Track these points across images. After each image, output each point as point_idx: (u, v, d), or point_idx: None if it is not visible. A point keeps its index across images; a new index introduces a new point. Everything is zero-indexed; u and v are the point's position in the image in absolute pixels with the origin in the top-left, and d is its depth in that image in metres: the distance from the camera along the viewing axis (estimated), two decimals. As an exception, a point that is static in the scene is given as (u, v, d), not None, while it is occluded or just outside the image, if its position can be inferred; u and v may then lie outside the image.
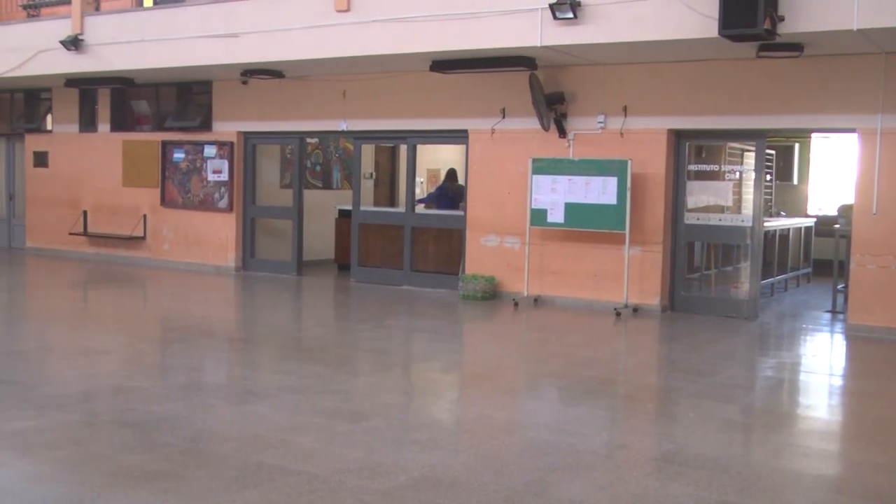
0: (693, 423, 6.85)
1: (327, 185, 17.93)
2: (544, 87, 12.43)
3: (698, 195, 12.48)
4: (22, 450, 5.85)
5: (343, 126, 14.63)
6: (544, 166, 12.53)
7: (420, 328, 11.43)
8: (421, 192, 16.76)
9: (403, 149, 15.74)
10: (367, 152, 17.03)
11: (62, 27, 15.47)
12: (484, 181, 13.36)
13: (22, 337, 10.49)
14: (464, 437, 6.46)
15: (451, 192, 15.49)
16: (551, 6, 10.66)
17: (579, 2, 10.59)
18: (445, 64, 12.52)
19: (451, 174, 15.76)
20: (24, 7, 17.77)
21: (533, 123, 12.70)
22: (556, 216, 12.49)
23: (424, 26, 11.78)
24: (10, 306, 12.98)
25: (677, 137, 12.18)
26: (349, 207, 15.49)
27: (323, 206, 17.02)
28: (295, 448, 5.89)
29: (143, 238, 17.03)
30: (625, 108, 12.18)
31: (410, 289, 14.10)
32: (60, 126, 18.50)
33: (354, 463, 5.59)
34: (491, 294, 13.03)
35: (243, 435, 6.17)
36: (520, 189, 12.90)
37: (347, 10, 12.27)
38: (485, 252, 13.36)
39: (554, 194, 12.47)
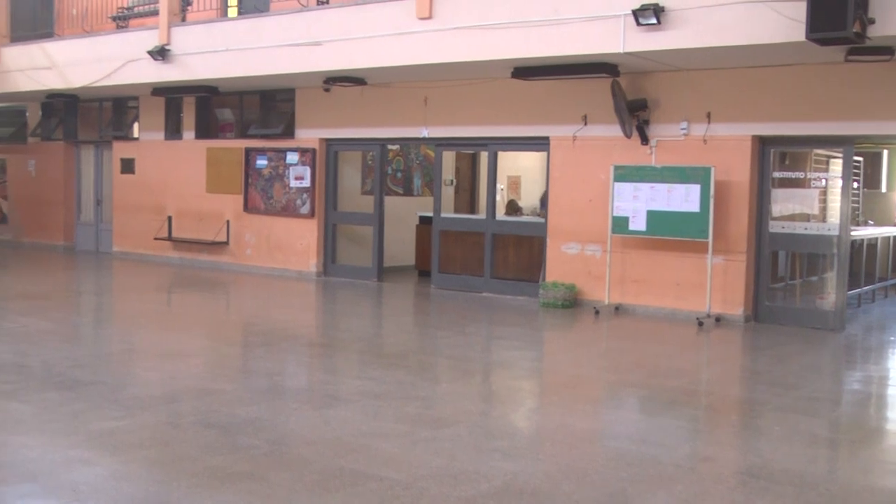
0: (779, 437, 6.72)
1: (408, 192, 18.02)
2: (627, 93, 12.35)
3: (783, 203, 12.26)
4: (111, 449, 5.98)
5: (424, 133, 14.69)
6: (626, 174, 12.44)
7: (500, 335, 11.42)
8: (501, 199, 16.74)
9: (484, 155, 15.75)
10: (448, 159, 17.06)
11: (149, 38, 15.82)
12: (565, 188, 13.30)
13: (109, 339, 10.73)
14: (545, 446, 6.42)
15: None
16: (634, 12, 10.59)
17: (663, 7, 10.50)
18: (527, 71, 12.51)
19: None
20: (114, 19, 18.20)
21: (615, 130, 12.62)
22: (638, 224, 12.38)
23: (506, 33, 11.78)
24: (97, 309, 13.29)
25: (762, 144, 11.99)
26: (430, 214, 15.54)
27: (403, 212, 17.10)
28: (377, 453, 5.92)
29: (227, 243, 17.29)
30: (708, 115, 12.03)
31: (490, 296, 14.10)
32: (147, 134, 18.89)
33: (436, 470, 5.61)
34: (571, 302, 12.96)
35: (325, 439, 6.23)
36: (601, 196, 12.82)
37: (429, 18, 12.33)
38: (566, 259, 13.30)
39: (636, 202, 12.37)
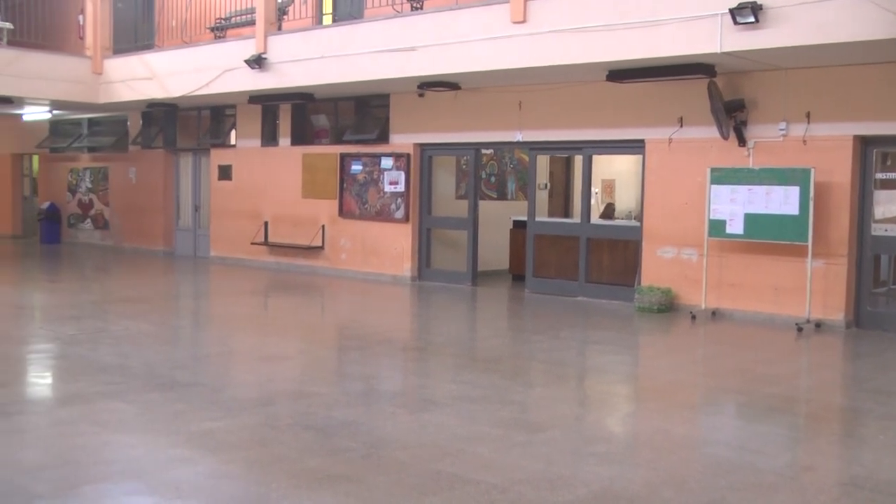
0: (883, 447, 6.54)
1: (502, 196, 18.01)
2: (723, 94, 12.16)
3: (886, 205, 11.93)
4: (211, 449, 6.10)
5: (518, 137, 14.67)
6: (723, 176, 12.24)
7: (595, 340, 11.33)
8: (596, 202, 16.63)
9: (578, 159, 15.65)
10: (542, 163, 16.99)
11: (246, 47, 16.08)
12: (661, 191, 13.15)
13: (208, 342, 10.94)
14: (642, 452, 6.36)
15: None
16: (732, 11, 10.42)
17: (761, 5, 10.30)
18: (622, 73, 12.41)
19: None
20: (212, 29, 18.57)
21: (711, 132, 12.43)
22: (736, 227, 12.18)
23: (601, 36, 11.69)
24: (196, 313, 13.57)
25: (864, 144, 11.69)
26: (524, 218, 15.51)
27: (497, 216, 17.09)
28: (473, 457, 5.93)
29: (322, 248, 17.49)
30: (808, 115, 11.77)
31: (585, 300, 14.01)
32: (243, 141, 19.22)
33: (533, 474, 5.58)
34: (667, 306, 12.81)
35: (422, 443, 6.25)
36: (697, 199, 12.64)
37: (524, 22, 12.30)
38: (661, 263, 13.15)
39: (733, 204, 12.16)
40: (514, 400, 7.68)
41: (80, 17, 20.02)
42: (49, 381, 8.62)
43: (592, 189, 15.05)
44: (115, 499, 5.21)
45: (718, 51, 10.84)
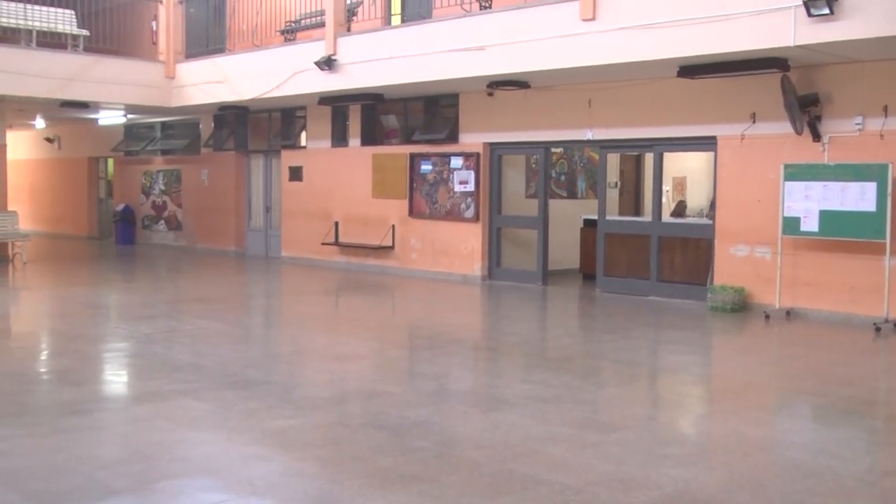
0: (969, 447, 6.38)
1: (572, 195, 17.91)
2: (797, 88, 11.95)
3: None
4: (285, 446, 6.16)
5: (589, 135, 14.58)
6: (797, 172, 12.04)
7: (668, 339, 11.21)
8: (666, 201, 16.47)
9: (649, 157, 15.52)
10: (612, 161, 16.86)
11: (316, 49, 16.21)
12: (733, 188, 12.97)
13: (279, 341, 11.04)
14: (717, 454, 6.26)
15: None
16: (805, 3, 10.22)
17: (836, -2, 10.11)
18: (693, 69, 12.27)
19: None
20: (282, 32, 18.75)
21: (784, 128, 12.23)
22: (810, 224, 11.96)
23: (671, 32, 11.56)
24: (268, 312, 13.70)
25: (945, 140, 11.42)
26: (594, 217, 15.41)
27: (567, 215, 17.00)
28: (546, 457, 5.89)
29: (392, 248, 17.55)
30: (885, 108, 11.50)
31: (657, 299, 13.87)
32: (314, 142, 19.38)
33: (606, 475, 5.54)
34: (740, 306, 12.62)
35: (494, 442, 6.23)
36: (771, 196, 12.45)
37: (593, 19, 12.22)
38: (734, 262, 12.97)
39: (807, 201, 11.95)
40: (587, 400, 7.63)
41: (154, 23, 20.35)
42: (125, 378, 8.77)
43: (663, 187, 14.89)
44: (190, 495, 5.28)
45: (792, 44, 10.65)
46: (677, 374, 9.28)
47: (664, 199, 15.19)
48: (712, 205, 13.83)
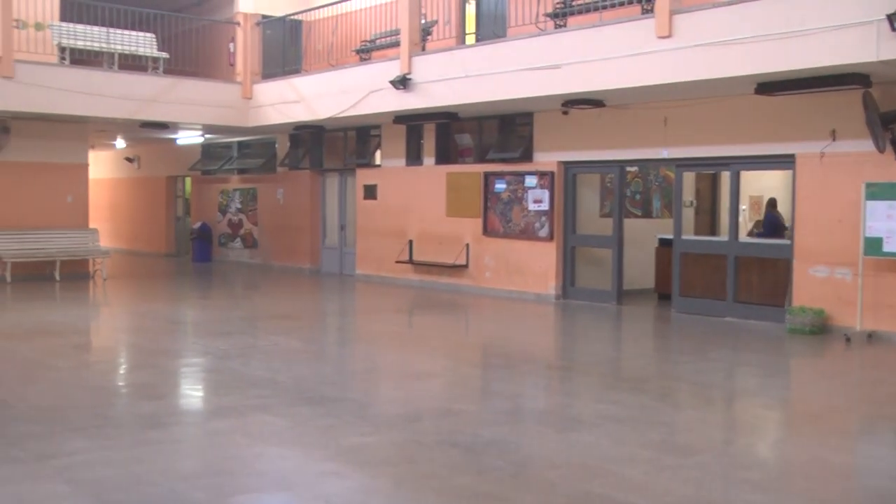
0: None
1: (647, 214, 17.75)
2: (880, 104, 11.70)
3: None
4: (360, 464, 6.17)
5: (664, 154, 14.44)
6: (879, 191, 11.78)
7: (745, 362, 10.99)
8: (743, 220, 16.24)
9: (725, 175, 15.31)
10: (688, 179, 16.67)
11: (391, 68, 16.31)
12: (812, 208, 12.74)
13: (354, 358, 11.08)
14: (797, 480, 6.13)
15: (776, 221, 15.12)
16: (889, 17, 10.00)
17: (922, 11, 9.88)
18: (771, 85, 12.08)
19: (772, 202, 15.40)
20: (357, 52, 18.92)
21: (866, 145, 11.98)
22: (893, 245, 11.68)
23: (749, 48, 11.41)
24: (342, 329, 13.78)
25: None
26: (669, 236, 15.25)
27: (642, 234, 16.85)
28: (623, 479, 5.82)
29: (466, 266, 17.55)
30: (972, 128, 11.24)
31: (733, 320, 13.65)
32: (388, 160, 19.49)
33: (685, 499, 5.45)
34: (820, 328, 12.36)
35: (570, 462, 6.18)
36: (852, 216, 12.19)
37: (669, 36, 12.11)
38: (813, 283, 12.71)
39: (890, 221, 11.68)
40: (663, 421, 7.53)
41: (231, 45, 20.67)
42: (203, 393, 8.87)
43: (740, 206, 14.68)
44: (267, 511, 5.32)
45: (875, 59, 10.43)
46: (756, 397, 9.12)
47: (741, 219, 14.97)
48: (789, 225, 13.59)
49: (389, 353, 11.14)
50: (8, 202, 18.98)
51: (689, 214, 16.84)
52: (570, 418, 7.63)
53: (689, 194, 16.98)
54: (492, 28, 16.58)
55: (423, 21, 16.60)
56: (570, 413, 7.88)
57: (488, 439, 6.76)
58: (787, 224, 14.28)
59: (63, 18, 18.62)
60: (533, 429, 7.22)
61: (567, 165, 16.05)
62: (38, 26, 18.31)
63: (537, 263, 16.30)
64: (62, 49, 17.96)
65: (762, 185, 17.70)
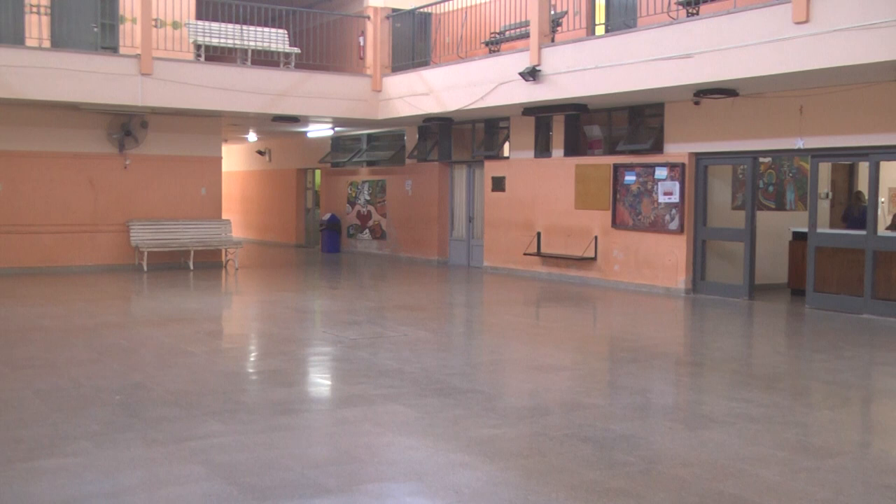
0: None
1: (780, 206, 17.30)
2: None
3: None
4: (490, 455, 6.18)
5: (799, 144, 14.04)
6: None
7: (884, 361, 10.57)
8: (882, 212, 15.69)
9: (863, 166, 14.79)
10: (823, 171, 16.17)
11: (520, 60, 16.27)
12: (959, 201, 12.23)
13: (482, 349, 11.09)
14: (944, 483, 5.89)
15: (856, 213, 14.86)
16: None
17: None
18: (916, 74, 11.64)
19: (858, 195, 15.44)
20: (486, 44, 18.93)
21: None
22: None
23: (890, 32, 10.93)
24: (470, 321, 13.81)
25: None
26: (804, 229, 14.83)
27: (775, 227, 16.45)
28: (757, 480, 5.69)
29: (594, 259, 17.41)
30: None
31: (871, 317, 13.20)
32: (517, 152, 19.45)
33: (823, 503, 5.28)
34: (966, 325, 11.88)
35: (702, 461, 6.07)
36: None
37: (806, 21, 11.74)
38: (959, 279, 12.21)
39: None
40: (798, 421, 7.33)
41: (361, 39, 20.91)
42: (332, 381, 9.01)
43: (879, 198, 14.17)
44: (397, 499, 5.37)
45: None
46: (894, 398, 8.79)
47: (879, 212, 14.45)
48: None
49: (517, 346, 11.12)
50: (145, 194, 19.67)
51: (824, 207, 16.32)
52: (701, 415, 7.49)
53: (824, 186, 16.47)
54: (622, 18, 16.37)
55: (552, 12, 16.51)
56: (701, 410, 7.73)
57: (618, 434, 6.70)
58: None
59: (199, 17, 19.16)
60: (663, 425, 7.11)
61: (698, 157, 15.76)
62: (176, 25, 18.86)
63: (667, 257, 16.06)
64: (197, 46, 18.46)
65: (903, 176, 17.07)
